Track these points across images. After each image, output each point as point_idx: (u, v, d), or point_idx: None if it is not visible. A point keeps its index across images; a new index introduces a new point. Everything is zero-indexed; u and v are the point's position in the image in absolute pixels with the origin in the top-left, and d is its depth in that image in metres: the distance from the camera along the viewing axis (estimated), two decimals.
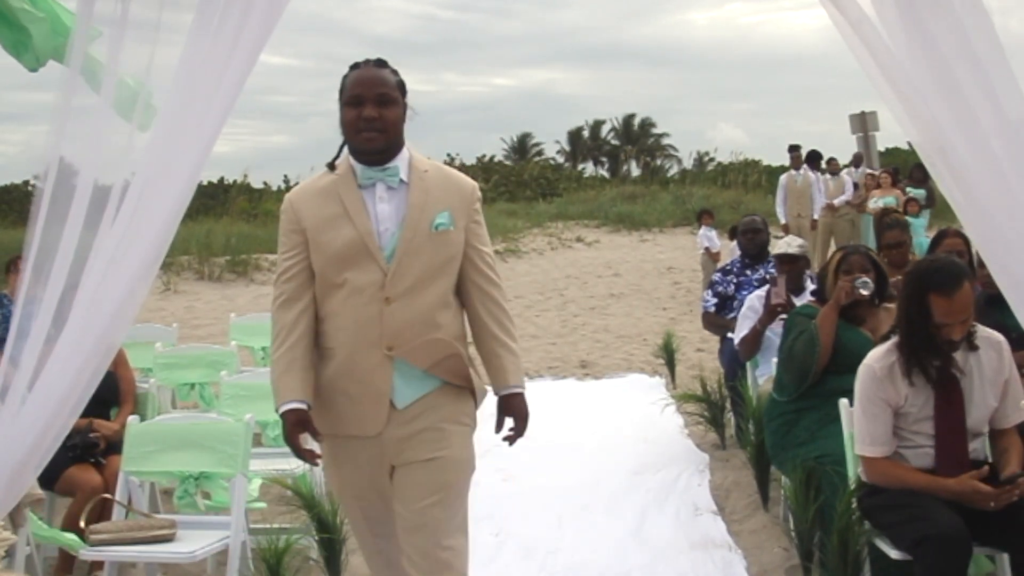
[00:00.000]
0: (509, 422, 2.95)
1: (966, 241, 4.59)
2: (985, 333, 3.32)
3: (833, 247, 13.11)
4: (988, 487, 3.06)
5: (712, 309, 6.38)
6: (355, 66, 2.71)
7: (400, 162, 2.71)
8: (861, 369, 3.35)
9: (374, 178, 2.69)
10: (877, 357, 3.33)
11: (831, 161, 14.27)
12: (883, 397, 3.27)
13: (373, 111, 2.62)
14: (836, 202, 13.37)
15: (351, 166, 2.72)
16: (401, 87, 2.73)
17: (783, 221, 12.97)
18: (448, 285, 2.74)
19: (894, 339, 3.33)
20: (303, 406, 2.68)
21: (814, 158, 13.64)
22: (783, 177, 13.62)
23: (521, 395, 2.92)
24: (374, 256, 2.64)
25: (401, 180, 2.70)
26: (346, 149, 2.76)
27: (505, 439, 2.96)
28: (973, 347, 3.27)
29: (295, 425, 2.68)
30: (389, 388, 2.68)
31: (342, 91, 2.69)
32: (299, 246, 2.71)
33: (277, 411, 2.70)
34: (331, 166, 2.75)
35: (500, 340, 2.81)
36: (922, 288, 3.16)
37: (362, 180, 2.69)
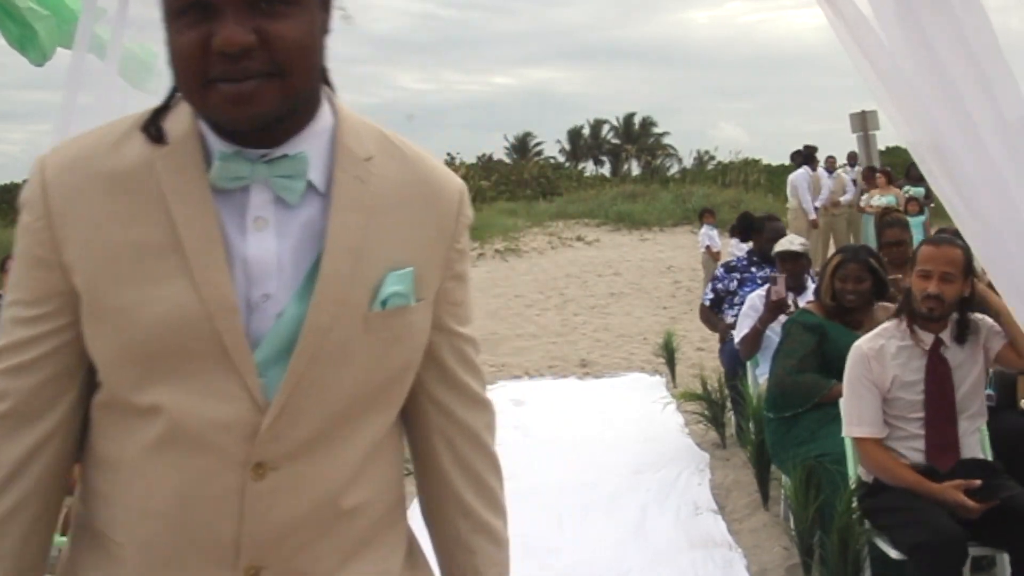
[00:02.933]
0: None
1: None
2: (979, 319, 3.38)
3: (832, 246, 13.19)
4: (970, 501, 3.09)
5: (707, 304, 6.41)
6: None
7: (310, 141, 1.17)
8: (851, 351, 3.42)
9: (245, 177, 1.14)
10: (867, 339, 3.42)
11: (828, 159, 14.33)
12: (870, 378, 3.33)
13: (244, 31, 1.06)
14: (843, 200, 13.45)
15: (199, 132, 1.16)
16: None
17: (813, 216, 13.00)
18: (387, 421, 1.27)
19: (885, 324, 3.41)
20: None
21: (809, 157, 13.67)
22: (806, 174, 13.46)
23: None
24: (233, 362, 1.13)
25: (311, 185, 1.17)
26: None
27: None
28: (962, 339, 3.32)
29: None
30: None
31: None
32: (55, 299, 1.16)
33: None
34: (154, 130, 1.16)
35: (477, 519, 1.36)
36: (920, 245, 3.40)
37: (219, 177, 1.14)
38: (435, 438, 1.34)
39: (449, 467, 1.35)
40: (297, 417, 1.16)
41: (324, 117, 1.21)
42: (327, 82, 1.24)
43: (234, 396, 1.13)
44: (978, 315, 3.39)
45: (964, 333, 3.32)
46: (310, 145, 1.17)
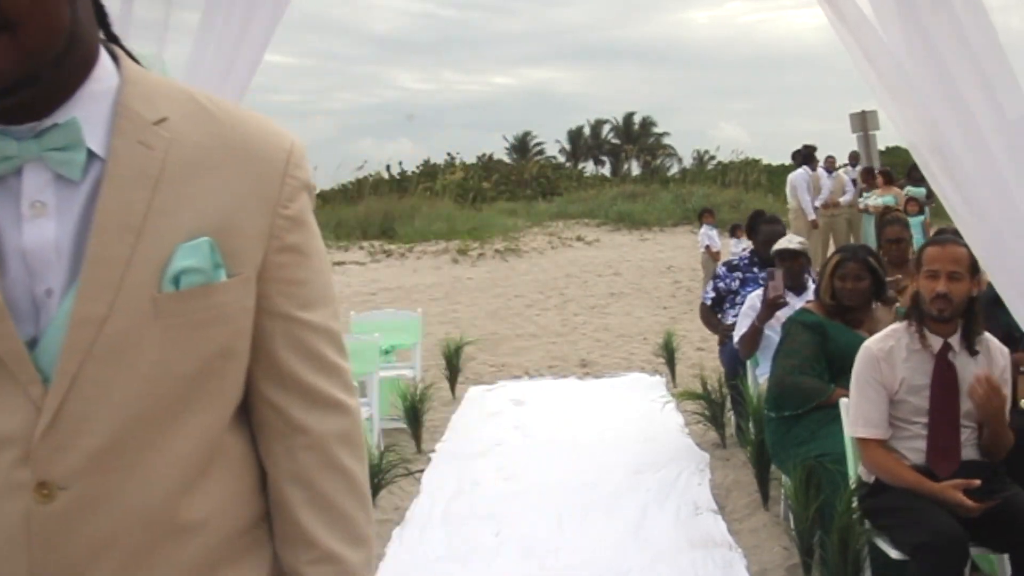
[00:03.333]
0: None
1: None
2: (994, 342, 3.37)
3: (832, 246, 13.19)
4: (968, 500, 3.07)
5: (708, 303, 6.41)
6: None
7: (85, 105, 1.03)
8: (860, 351, 3.41)
9: (13, 157, 1.01)
10: (877, 340, 3.40)
11: (828, 159, 14.33)
12: (878, 379, 3.32)
13: None
14: (842, 200, 13.43)
15: None
16: None
17: (812, 216, 13.00)
18: (214, 422, 1.10)
19: (895, 325, 3.39)
20: None
21: (809, 157, 13.64)
22: (805, 174, 13.43)
23: None
24: (10, 369, 1.00)
25: (91, 154, 1.03)
26: None
27: None
28: (973, 352, 3.30)
29: None
30: None
31: None
32: None
33: None
34: None
35: (321, 548, 1.15)
36: (923, 247, 3.39)
37: None
38: (275, 448, 1.15)
39: (288, 484, 1.14)
40: (81, 425, 0.99)
41: (105, 78, 1.05)
42: (114, 40, 1.10)
43: (16, 408, 0.99)
44: (994, 339, 3.38)
45: (973, 340, 3.31)
46: (85, 110, 1.03)
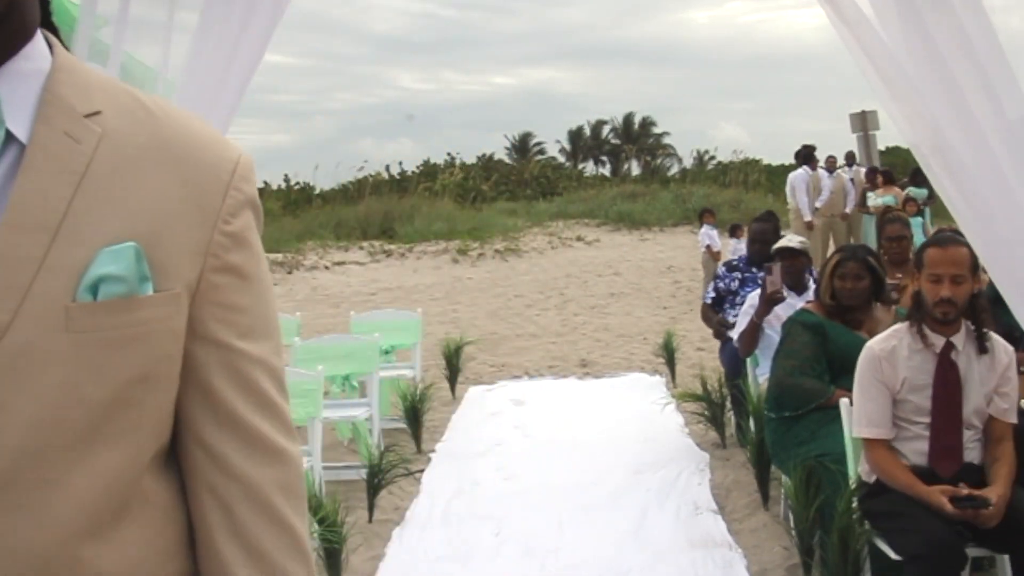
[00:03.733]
0: None
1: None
2: (1000, 341, 3.37)
3: (832, 246, 13.18)
4: (949, 506, 3.07)
5: (709, 303, 6.41)
6: None
7: (10, 82, 0.91)
8: (863, 351, 3.42)
9: None
10: (879, 339, 3.40)
11: (829, 159, 14.33)
12: (881, 379, 3.32)
13: None
14: (847, 210, 13.40)
15: None
16: None
17: (808, 218, 12.96)
18: (129, 460, 0.94)
19: (898, 325, 3.39)
20: None
21: (808, 157, 13.61)
22: (805, 174, 13.37)
23: None
24: None
25: (10, 137, 0.89)
26: None
27: None
28: (983, 349, 3.30)
29: None
30: None
31: None
32: None
33: None
34: None
35: None
36: (923, 247, 3.38)
37: None
38: (205, 497, 1.00)
39: (222, 541, 0.99)
40: None
41: (35, 58, 0.94)
42: (50, 26, 1.01)
43: None
44: (999, 338, 3.38)
45: (985, 337, 3.30)
46: (9, 87, 0.90)
